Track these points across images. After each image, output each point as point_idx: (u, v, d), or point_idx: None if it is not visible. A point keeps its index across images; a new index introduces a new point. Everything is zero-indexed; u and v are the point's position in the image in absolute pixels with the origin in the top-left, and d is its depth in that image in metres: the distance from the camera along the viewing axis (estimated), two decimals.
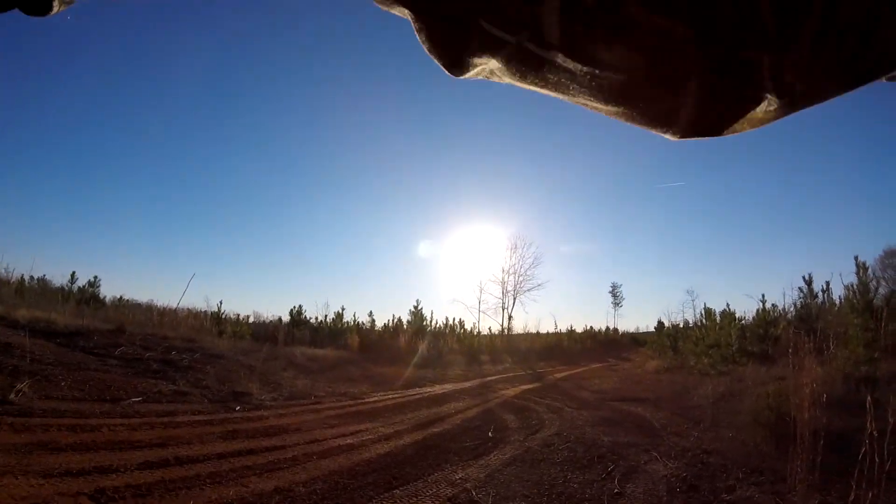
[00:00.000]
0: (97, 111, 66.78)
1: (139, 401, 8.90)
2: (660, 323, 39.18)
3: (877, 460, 4.60)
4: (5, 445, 5.50)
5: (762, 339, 17.10)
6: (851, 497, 4.59)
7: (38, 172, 61.99)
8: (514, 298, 44.04)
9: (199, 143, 72.78)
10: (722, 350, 17.73)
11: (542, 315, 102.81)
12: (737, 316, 19.24)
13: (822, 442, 5.59)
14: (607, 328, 58.71)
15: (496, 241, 69.69)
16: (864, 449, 4.63)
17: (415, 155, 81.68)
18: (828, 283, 16.37)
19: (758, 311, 18.30)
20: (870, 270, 12.83)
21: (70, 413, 7.41)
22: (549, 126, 78.49)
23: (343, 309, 29.15)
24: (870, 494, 4.57)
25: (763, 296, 18.19)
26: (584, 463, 7.37)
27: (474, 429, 9.60)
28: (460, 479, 6.39)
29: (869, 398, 5.22)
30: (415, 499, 5.55)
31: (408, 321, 30.33)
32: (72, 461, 5.33)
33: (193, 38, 68.44)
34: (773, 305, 18.25)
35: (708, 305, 22.71)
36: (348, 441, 7.95)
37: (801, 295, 16.93)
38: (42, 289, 23.29)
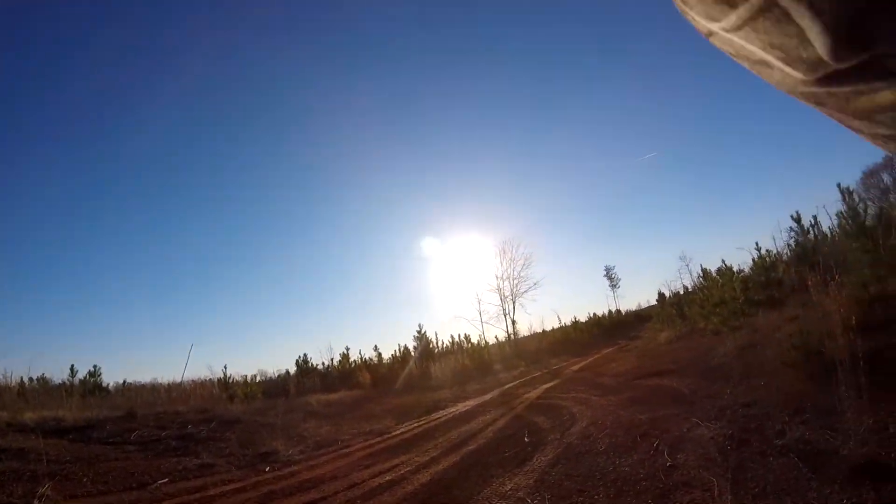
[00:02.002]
0: (70, 186, 66.49)
1: (166, 482, 8.62)
2: (660, 294, 39.25)
3: None
4: None
5: (765, 285, 17.05)
6: None
7: (19, 272, 61.47)
8: (514, 302, 44.09)
9: (175, 213, 72.70)
10: (729, 305, 17.62)
11: (544, 313, 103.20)
12: (735, 269, 19.25)
13: (861, 364, 5.50)
14: (610, 312, 58.56)
15: (485, 250, 69.61)
16: None
17: (394, 178, 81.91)
18: (815, 218, 16.32)
19: (754, 259, 18.32)
20: (854, 194, 12.80)
21: None
22: (517, 121, 79.21)
23: (348, 349, 28.96)
24: None
25: (757, 243, 18.21)
26: (629, 445, 7.20)
27: (509, 437, 9.42)
28: (510, 489, 6.21)
29: None
30: None
31: (414, 347, 30.11)
32: None
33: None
34: (768, 251, 18.26)
35: (703, 267, 22.56)
36: (387, 478, 7.73)
37: (793, 234, 16.92)
38: (44, 387, 22.84)
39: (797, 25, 0.53)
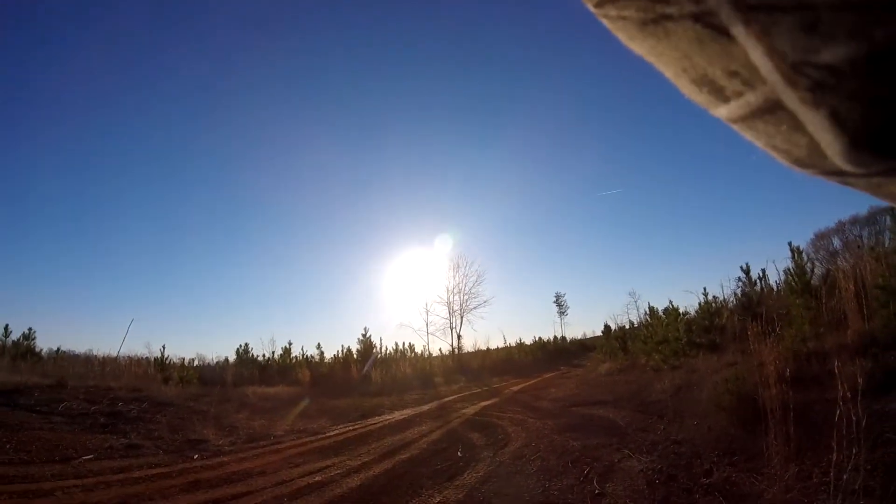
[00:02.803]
0: (24, 147, 64.94)
1: (91, 458, 8.47)
2: (606, 326, 39.65)
3: (853, 420, 4.63)
4: None
5: (708, 329, 17.37)
6: (835, 458, 4.59)
7: None
8: (462, 317, 44.21)
9: (129, 180, 71.49)
10: (671, 345, 17.91)
11: (490, 331, 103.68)
12: (680, 311, 19.58)
13: (791, 415, 5.66)
14: (555, 337, 59.14)
15: (438, 262, 69.57)
16: (838, 412, 4.64)
17: (352, 181, 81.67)
18: (763, 271, 16.81)
19: (700, 304, 18.64)
20: (804, 254, 13.23)
21: (19, 478, 7.00)
22: (484, 139, 79.51)
23: (290, 344, 28.71)
24: (852, 454, 4.58)
25: (705, 289, 18.55)
26: (559, 470, 7.30)
27: (442, 451, 9.43)
28: (439, 502, 6.23)
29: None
30: None
31: (357, 350, 29.96)
32: None
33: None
34: (714, 297, 18.63)
35: (651, 304, 22.94)
36: (317, 479, 7.67)
37: (741, 284, 17.34)
38: None
39: (806, 131, 0.48)
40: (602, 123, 77.24)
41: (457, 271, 45.65)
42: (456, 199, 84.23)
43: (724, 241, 71.33)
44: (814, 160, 0.51)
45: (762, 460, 5.90)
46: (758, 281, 16.80)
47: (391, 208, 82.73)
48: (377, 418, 15.27)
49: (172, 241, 75.67)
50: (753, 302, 16.26)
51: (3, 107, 62.85)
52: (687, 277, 75.56)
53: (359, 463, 8.74)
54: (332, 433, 12.48)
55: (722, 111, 0.52)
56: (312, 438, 11.69)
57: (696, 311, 18.92)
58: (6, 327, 21.38)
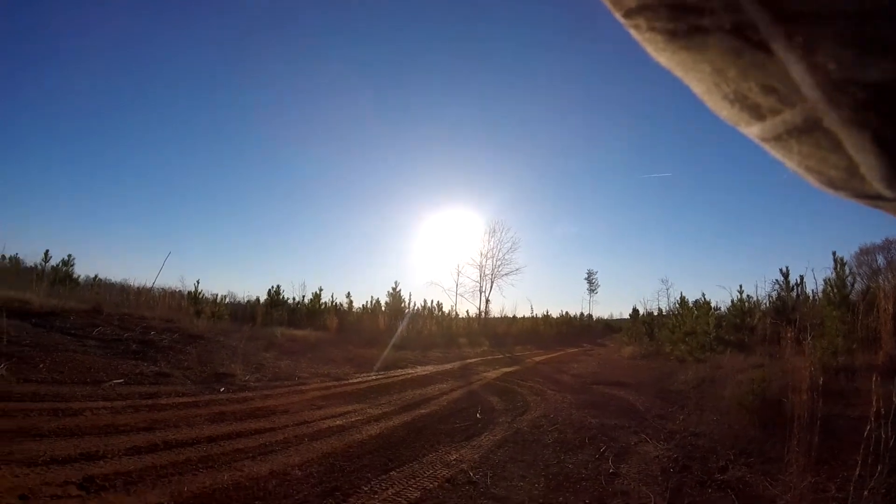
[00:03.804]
0: (68, 89, 65.52)
1: (121, 383, 8.72)
2: (635, 310, 39.46)
3: (881, 439, 4.59)
4: None
5: (738, 328, 17.27)
6: (857, 474, 4.56)
7: (11, 151, 60.68)
8: (492, 282, 44.04)
9: (175, 122, 71.92)
10: (699, 338, 17.81)
11: (518, 299, 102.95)
12: (713, 305, 19.41)
13: (817, 425, 5.61)
14: (582, 314, 59.18)
15: (474, 225, 69.49)
16: (868, 427, 4.59)
17: (395, 136, 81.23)
18: (801, 278, 16.57)
19: (733, 301, 18.47)
20: (847, 266, 13.01)
21: (50, 397, 7.22)
22: (534, 111, 78.69)
23: (321, 290, 28.92)
24: (876, 473, 4.55)
25: (740, 286, 18.43)
26: (576, 444, 7.34)
27: (461, 410, 9.54)
28: (455, 460, 6.31)
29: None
30: (412, 480, 5.45)
31: (386, 303, 30.24)
32: (56, 448, 5.16)
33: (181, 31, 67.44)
34: (748, 296, 18.44)
35: (683, 294, 22.73)
36: (338, 423, 7.82)
37: (777, 287, 17.09)
38: (15, 268, 22.90)
39: (846, 153, 0.46)
40: (659, 103, 75.37)
41: (492, 236, 45.32)
42: (498, 164, 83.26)
43: (765, 241, 69.67)
44: (850, 183, 0.50)
45: (778, 465, 5.84)
46: (795, 287, 16.58)
47: (433, 166, 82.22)
48: (400, 371, 15.52)
49: (214, 179, 76.19)
50: (788, 307, 16.11)
51: (43, 42, 63.03)
52: (721, 272, 74.49)
53: (379, 412, 8.88)
54: (355, 380, 12.72)
55: (755, 129, 0.50)
56: (336, 384, 11.91)
57: (728, 308, 18.80)
58: (46, 253, 21.98)
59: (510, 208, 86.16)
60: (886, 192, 0.48)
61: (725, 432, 7.87)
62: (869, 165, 0.45)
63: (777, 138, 0.49)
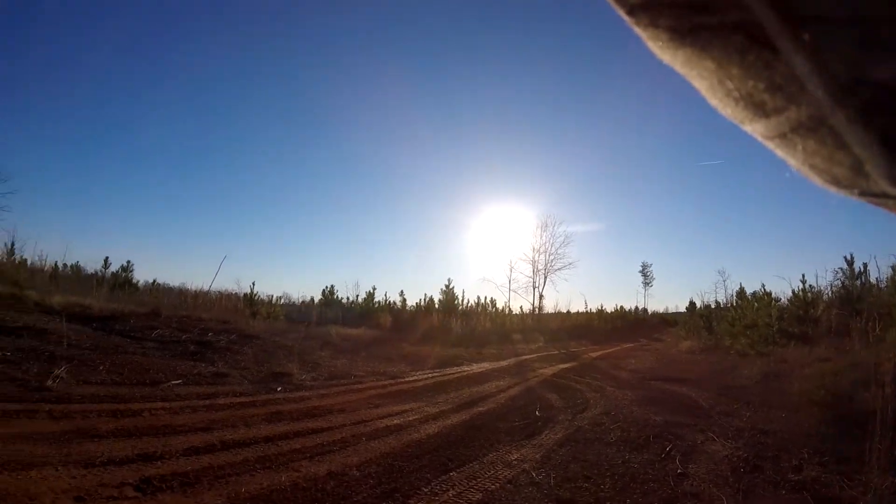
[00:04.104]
0: (122, 97, 67.00)
1: (179, 383, 8.77)
2: (692, 303, 38.96)
3: None
4: (44, 434, 5.33)
5: (801, 320, 16.75)
6: None
7: (68, 161, 62.29)
8: (545, 277, 43.66)
9: (227, 128, 73.04)
10: (760, 331, 17.39)
11: (572, 294, 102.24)
12: (773, 297, 18.90)
13: None
14: (636, 308, 58.35)
15: (526, 220, 69.07)
16: None
17: (445, 133, 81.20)
18: (865, 265, 15.98)
19: (794, 291, 17.96)
20: None
21: (109, 398, 7.27)
22: (585, 101, 77.96)
23: (374, 288, 29.27)
24: None
25: (803, 276, 17.82)
26: (640, 443, 7.09)
27: (520, 408, 9.35)
28: (516, 459, 6.14)
29: None
30: (473, 481, 5.30)
31: (439, 300, 30.27)
32: (114, 449, 5.14)
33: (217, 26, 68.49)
34: (810, 286, 17.85)
35: (742, 286, 22.15)
36: (395, 421, 7.72)
37: (841, 275, 16.55)
38: (76, 275, 23.56)
39: (851, 151, 0.46)
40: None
41: (544, 230, 44.90)
42: (550, 158, 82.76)
43: (823, 229, 67.87)
44: (856, 181, 0.50)
45: (855, 465, 5.56)
46: (859, 275, 16.06)
47: (485, 162, 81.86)
48: (455, 368, 15.36)
49: (268, 182, 77.06)
50: (853, 296, 15.60)
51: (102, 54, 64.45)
52: (779, 262, 72.76)
53: (437, 410, 8.76)
54: (410, 378, 12.63)
55: (759, 127, 0.50)
56: (391, 382, 11.83)
57: (789, 299, 18.29)
58: (105, 259, 23.14)
59: (562, 202, 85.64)
60: (891, 190, 0.49)
61: (796, 430, 7.60)
62: (874, 163, 0.47)
63: (782, 136, 0.50)
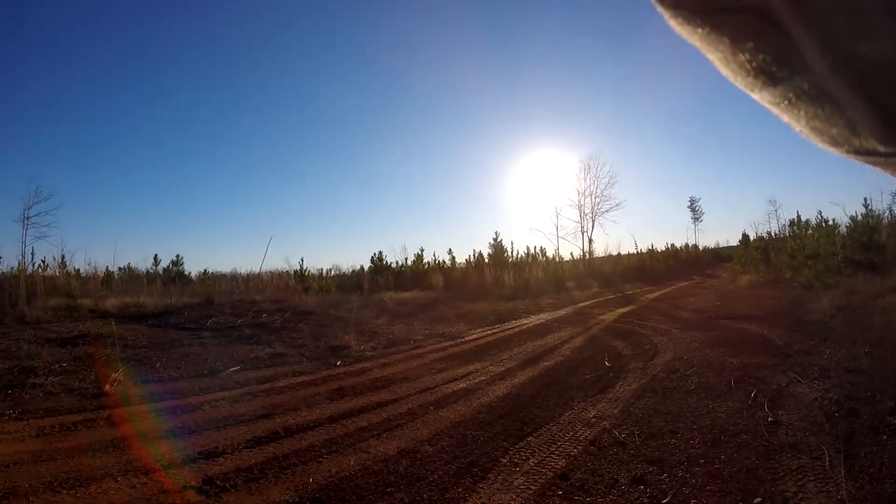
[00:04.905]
0: (146, 90, 67.41)
1: (237, 370, 8.69)
2: (745, 236, 38.10)
3: None
4: (104, 443, 5.20)
5: (866, 247, 16.00)
6: None
7: (105, 166, 63.12)
8: (593, 221, 42.93)
9: (255, 107, 73.20)
10: (825, 261, 16.71)
11: (621, 236, 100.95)
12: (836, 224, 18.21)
13: None
14: (687, 245, 57.26)
15: (569, 165, 67.77)
16: None
17: (479, 83, 79.70)
18: None
19: (853, 217, 17.12)
20: None
21: (168, 395, 7.23)
22: (619, 39, 76.12)
23: (422, 250, 29.11)
24: None
25: (865, 199, 17.00)
26: (722, 389, 6.71)
27: (587, 359, 9.04)
28: (594, 417, 5.82)
29: None
30: (553, 445, 5.00)
31: (489, 254, 30.02)
32: (174, 449, 4.99)
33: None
34: (872, 211, 17.02)
35: (798, 214, 21.40)
36: (461, 385, 7.50)
37: None
38: (129, 276, 24.14)
39: (846, 115, 0.52)
40: None
41: (588, 173, 43.94)
42: (586, 98, 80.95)
43: None
44: (851, 140, 0.55)
45: None
46: None
47: (519, 107, 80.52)
48: (514, 323, 15.06)
49: (305, 158, 77.10)
50: None
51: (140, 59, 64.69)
52: (828, 188, 70.50)
53: (502, 369, 8.51)
54: (470, 337, 12.38)
55: (766, 94, 0.56)
56: (451, 343, 11.61)
57: (847, 227, 17.50)
58: (155, 257, 23.89)
59: (604, 141, 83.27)
60: (880, 147, 0.53)
61: (885, 367, 7.07)
62: (866, 125, 0.52)
63: (788, 102, 0.55)
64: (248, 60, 71.64)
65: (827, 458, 4.42)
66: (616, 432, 5.28)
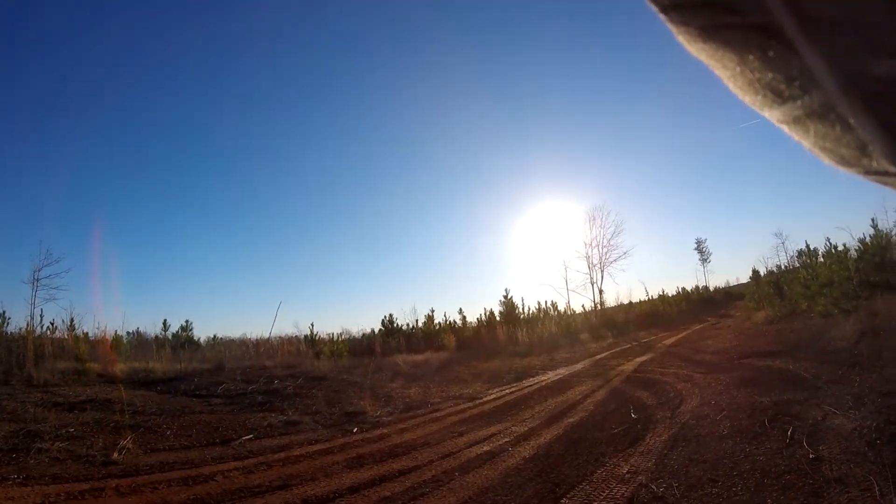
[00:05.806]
0: (156, 158, 68.25)
1: (250, 438, 8.44)
2: (755, 272, 38.13)
3: None
4: None
5: (880, 267, 15.80)
6: None
7: (113, 232, 63.55)
8: (602, 271, 42.85)
9: (264, 172, 73.95)
10: (841, 286, 16.47)
11: (631, 284, 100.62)
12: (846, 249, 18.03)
13: None
14: (698, 287, 57.06)
15: (575, 216, 68.02)
16: None
17: (481, 140, 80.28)
18: None
19: (862, 239, 17.00)
20: None
21: (179, 464, 6.96)
22: (613, 83, 77.07)
23: (433, 311, 28.90)
24: None
25: (873, 220, 16.85)
26: (756, 430, 6.50)
27: (612, 412, 8.81)
28: (628, 472, 5.59)
29: None
30: None
31: (500, 312, 29.82)
32: None
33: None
34: (882, 230, 16.88)
35: (807, 244, 21.21)
36: (485, 448, 7.23)
37: None
38: (138, 341, 24.00)
39: (856, 134, 0.52)
40: None
41: (594, 223, 43.97)
42: (588, 149, 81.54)
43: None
44: (861, 160, 0.55)
45: None
46: None
47: (522, 163, 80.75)
48: (532, 379, 14.79)
49: (311, 224, 77.55)
50: None
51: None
52: (832, 213, 70.62)
53: (526, 429, 8.25)
54: (489, 397, 12.11)
55: (776, 113, 0.56)
56: (470, 404, 11.33)
57: (857, 249, 17.36)
58: (164, 322, 23.34)
59: (607, 190, 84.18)
60: (892, 168, 0.54)
61: None
62: (876, 145, 0.52)
63: (796, 121, 0.56)
64: (256, 124, 72.44)
65: (876, 488, 4.30)
66: (654, 486, 5.05)
